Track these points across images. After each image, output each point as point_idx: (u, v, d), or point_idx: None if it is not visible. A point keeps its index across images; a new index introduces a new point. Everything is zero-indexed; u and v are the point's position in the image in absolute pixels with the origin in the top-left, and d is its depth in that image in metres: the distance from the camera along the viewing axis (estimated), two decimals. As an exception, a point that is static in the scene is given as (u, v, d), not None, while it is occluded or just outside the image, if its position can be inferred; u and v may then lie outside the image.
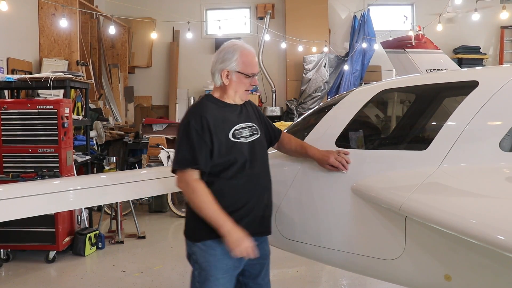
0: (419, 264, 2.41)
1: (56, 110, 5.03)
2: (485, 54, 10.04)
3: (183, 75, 10.70)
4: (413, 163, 2.37)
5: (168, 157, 7.01)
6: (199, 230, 2.35)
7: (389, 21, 10.48)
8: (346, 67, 9.95)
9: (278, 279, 4.65)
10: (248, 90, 2.45)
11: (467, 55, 9.82)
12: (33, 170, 4.98)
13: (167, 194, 7.09)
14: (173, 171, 2.36)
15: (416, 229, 2.34)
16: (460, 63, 9.61)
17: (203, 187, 2.27)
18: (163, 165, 6.94)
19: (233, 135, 2.35)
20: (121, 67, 10.23)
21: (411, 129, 3.10)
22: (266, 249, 2.61)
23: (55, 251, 5.09)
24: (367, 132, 3.10)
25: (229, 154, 2.33)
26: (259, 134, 2.49)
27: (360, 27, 10.15)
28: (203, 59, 10.53)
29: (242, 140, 2.38)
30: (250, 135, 2.43)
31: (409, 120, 3.27)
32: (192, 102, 10.48)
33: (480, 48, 10.04)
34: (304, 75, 9.92)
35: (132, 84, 10.71)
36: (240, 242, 2.24)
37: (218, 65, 2.37)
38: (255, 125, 2.49)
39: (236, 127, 2.37)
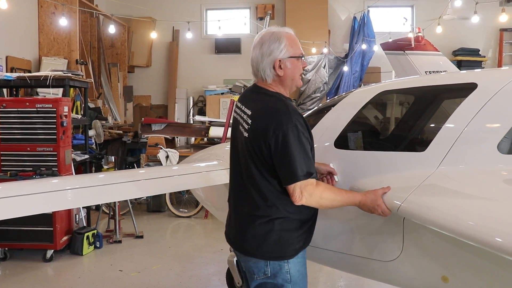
0: (417, 266, 2.42)
1: (55, 109, 5.03)
2: (484, 57, 10.05)
3: (182, 75, 10.69)
4: (411, 164, 2.37)
5: (167, 156, 7.01)
6: (292, 244, 2.20)
7: (389, 22, 10.48)
8: (345, 68, 9.95)
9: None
10: (299, 75, 2.26)
11: (466, 57, 9.82)
12: (31, 168, 4.98)
13: (165, 194, 7.09)
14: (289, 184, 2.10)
15: (414, 231, 2.35)
16: (460, 65, 9.61)
17: (322, 186, 2.18)
18: (161, 164, 6.94)
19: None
20: (120, 66, 10.23)
21: (410, 131, 3.10)
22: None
23: (52, 250, 5.09)
24: (365, 133, 3.09)
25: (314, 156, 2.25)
26: None
27: (359, 28, 10.15)
28: (203, 59, 10.54)
29: None
30: None
31: (407, 121, 3.28)
32: (191, 102, 10.47)
33: (479, 51, 10.05)
34: (303, 76, 9.91)
35: (131, 83, 10.70)
36: (376, 201, 2.19)
37: (266, 59, 2.16)
38: None
39: None
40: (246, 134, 2.17)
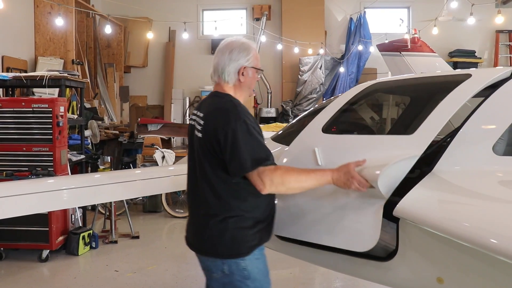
0: (412, 267, 2.42)
1: (51, 109, 5.01)
2: (480, 58, 10.10)
3: (178, 75, 10.69)
4: (397, 148, 2.38)
5: (163, 157, 7.01)
6: (248, 242, 2.23)
7: (385, 24, 10.51)
8: (341, 69, 9.97)
9: (272, 280, 4.65)
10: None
11: (462, 59, 9.86)
12: (27, 168, 4.96)
13: (161, 194, 7.08)
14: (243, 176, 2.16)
15: (409, 232, 2.35)
16: (456, 66, 9.65)
17: (284, 168, 2.20)
18: (157, 165, 6.93)
19: None
20: (116, 66, 10.21)
21: (398, 120, 3.17)
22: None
23: (48, 250, 5.08)
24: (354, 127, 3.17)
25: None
26: None
27: (356, 29, 10.18)
28: (199, 60, 10.53)
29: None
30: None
31: (396, 112, 3.35)
32: (187, 102, 10.46)
33: (475, 52, 10.09)
34: (299, 77, 9.94)
35: (127, 83, 10.69)
36: (350, 176, 2.15)
37: (233, 64, 2.30)
38: None
39: None
40: (199, 135, 2.26)
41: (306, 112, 3.49)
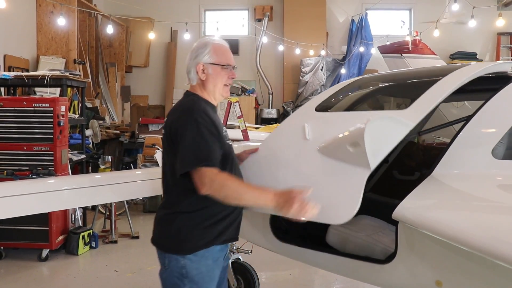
0: (411, 270, 2.43)
1: (52, 109, 5.02)
2: (482, 60, 10.10)
3: (180, 76, 10.70)
4: None
5: (164, 157, 7.00)
6: (191, 240, 2.17)
7: (387, 25, 10.52)
8: (343, 71, 9.98)
9: (271, 281, 4.66)
10: (227, 85, 2.34)
11: (463, 61, 9.86)
12: (27, 168, 4.97)
13: (161, 194, 7.08)
14: (185, 173, 2.11)
15: (408, 235, 2.36)
16: (457, 69, 9.65)
17: (227, 175, 2.10)
18: (158, 165, 6.93)
19: (225, 136, 2.28)
20: (118, 66, 10.23)
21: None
22: (228, 258, 2.50)
23: (48, 250, 5.08)
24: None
25: (228, 155, 2.26)
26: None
27: (357, 31, 10.19)
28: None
29: (229, 142, 2.32)
30: (228, 139, 2.34)
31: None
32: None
33: (476, 54, 10.10)
34: (301, 78, 9.94)
35: (129, 83, 10.70)
36: (291, 201, 2.01)
37: (192, 62, 2.28)
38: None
39: (224, 129, 2.31)
40: (163, 131, 2.30)
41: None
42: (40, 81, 5.45)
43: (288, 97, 10.35)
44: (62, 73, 5.53)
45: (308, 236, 3.20)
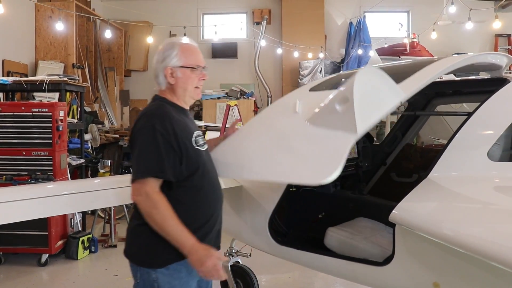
0: (408, 272, 2.44)
1: (50, 113, 5.03)
2: (479, 62, 10.11)
3: (178, 79, 10.70)
4: None
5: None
6: (162, 254, 2.09)
7: (385, 27, 10.54)
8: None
9: (271, 284, 4.66)
10: (198, 87, 2.26)
11: (461, 63, 9.87)
12: (26, 173, 4.97)
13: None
14: (133, 181, 2.06)
15: (405, 237, 2.37)
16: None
17: (166, 201, 2.02)
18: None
19: (195, 142, 2.17)
20: (117, 70, 10.24)
21: None
22: None
23: (47, 255, 5.08)
24: None
25: (196, 162, 2.14)
26: (207, 144, 2.34)
27: (356, 33, 10.21)
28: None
29: (201, 148, 2.20)
30: (203, 144, 2.25)
31: None
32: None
33: (474, 56, 10.11)
34: (299, 81, 9.96)
35: (128, 87, 10.71)
36: (206, 261, 2.00)
37: (159, 65, 2.18)
38: (203, 135, 2.32)
39: (194, 134, 2.19)
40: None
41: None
42: (39, 86, 5.46)
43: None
44: (60, 78, 5.54)
45: (306, 239, 3.22)
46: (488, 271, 2.10)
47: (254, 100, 10.04)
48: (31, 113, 5.03)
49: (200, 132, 2.26)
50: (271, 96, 10.40)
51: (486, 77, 2.76)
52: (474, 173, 2.25)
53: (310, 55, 9.82)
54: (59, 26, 6.96)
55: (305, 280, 4.72)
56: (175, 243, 2.02)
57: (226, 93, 9.98)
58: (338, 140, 2.05)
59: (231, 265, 3.96)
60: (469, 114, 2.34)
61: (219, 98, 9.82)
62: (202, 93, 8.82)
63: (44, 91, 5.50)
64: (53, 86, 5.47)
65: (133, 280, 2.22)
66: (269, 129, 2.55)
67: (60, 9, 7.29)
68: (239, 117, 6.69)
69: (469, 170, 2.26)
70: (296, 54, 9.79)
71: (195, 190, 2.15)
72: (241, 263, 4.00)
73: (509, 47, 10.28)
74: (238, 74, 10.49)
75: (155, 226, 2.03)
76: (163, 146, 2.04)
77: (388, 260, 2.51)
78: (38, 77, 5.69)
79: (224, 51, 10.49)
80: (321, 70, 9.89)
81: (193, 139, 2.16)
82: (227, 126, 7.06)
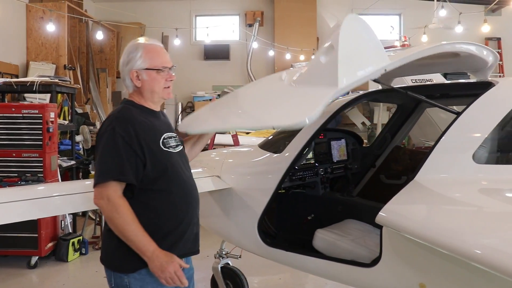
0: (395, 273, 2.46)
1: (41, 115, 5.02)
2: (470, 65, 10.19)
3: (171, 81, 10.69)
4: None
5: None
6: (132, 258, 2.05)
7: (376, 30, 10.58)
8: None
9: (262, 286, 4.67)
10: (168, 87, 2.22)
11: (452, 66, 9.93)
12: (16, 174, 4.95)
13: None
14: (95, 185, 2.05)
15: (392, 238, 2.39)
16: (446, 73, 9.73)
17: (128, 205, 2.01)
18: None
19: (163, 144, 2.14)
20: (109, 71, 10.21)
21: None
22: (191, 269, 2.36)
23: (37, 257, 5.05)
24: None
25: (163, 165, 2.11)
26: (182, 145, 2.30)
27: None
28: (192, 65, 10.56)
29: (171, 150, 2.17)
30: (176, 146, 2.22)
31: None
32: (180, 108, 10.48)
33: (465, 59, 10.18)
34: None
35: (120, 88, 10.68)
36: (166, 267, 2.00)
37: (125, 68, 2.16)
38: (177, 136, 2.28)
39: (164, 136, 2.16)
40: None
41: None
42: (29, 88, 5.44)
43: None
44: (51, 79, 5.53)
45: (296, 240, 3.23)
46: (473, 272, 2.12)
47: (247, 102, 10.05)
48: (21, 115, 5.02)
49: (172, 134, 2.23)
50: (263, 98, 10.41)
51: (472, 81, 2.79)
52: (460, 176, 2.27)
53: (302, 57, 9.86)
54: (50, 27, 6.95)
55: (296, 282, 4.73)
56: (135, 249, 2.01)
57: (218, 95, 10.00)
58: (319, 91, 2.05)
59: (221, 267, 3.97)
60: (455, 117, 2.37)
61: (210, 99, 9.82)
62: (194, 95, 8.83)
63: (34, 92, 5.48)
64: (44, 88, 5.45)
65: (109, 286, 2.21)
66: (252, 92, 2.57)
67: (51, 10, 7.26)
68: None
69: (454, 173, 2.29)
70: (288, 56, 9.82)
71: (164, 194, 2.12)
72: (231, 264, 4.01)
73: (499, 50, 10.37)
74: (231, 75, 10.51)
75: (116, 230, 2.02)
76: (124, 149, 2.02)
77: (375, 261, 2.53)
78: (28, 78, 5.67)
79: (217, 53, 10.51)
80: (313, 72, 9.90)
81: (161, 141, 2.14)
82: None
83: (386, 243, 2.43)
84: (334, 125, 9.75)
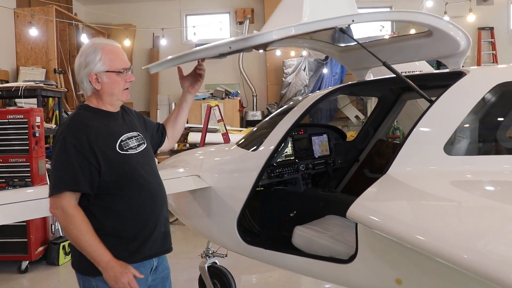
0: (371, 269, 2.43)
1: (26, 120, 5.00)
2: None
3: (163, 81, 10.67)
4: None
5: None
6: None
7: (368, 27, 10.53)
8: (325, 71, 9.98)
9: (252, 284, 4.66)
10: (127, 89, 2.19)
11: (444, 57, 9.87)
12: (3, 180, 4.94)
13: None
14: (50, 195, 2.03)
15: (367, 235, 2.37)
16: (439, 64, 9.66)
17: (82, 215, 2.00)
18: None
19: (120, 147, 2.10)
20: (101, 74, 10.18)
21: None
22: (167, 268, 2.36)
23: (27, 262, 5.05)
24: None
25: (121, 169, 2.08)
26: (146, 143, 2.26)
27: (340, 36, 10.18)
28: (184, 65, 10.40)
29: (131, 151, 2.14)
30: (138, 145, 2.18)
31: None
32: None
33: (457, 50, 10.12)
34: (284, 79, 9.95)
35: (112, 90, 10.66)
36: (120, 278, 1.99)
37: (82, 71, 2.11)
38: (140, 134, 2.25)
39: (122, 137, 2.13)
40: None
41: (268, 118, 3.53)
42: (14, 93, 5.43)
43: (272, 98, 10.36)
44: (36, 83, 5.51)
45: (279, 238, 3.21)
46: (448, 266, 2.09)
47: (240, 100, 10.03)
48: (7, 120, 5.00)
49: (134, 133, 2.21)
50: (256, 95, 10.38)
51: (445, 71, 2.76)
52: (432, 168, 2.25)
53: (292, 53, 9.82)
54: (33, 32, 6.93)
55: (286, 279, 4.71)
56: (90, 258, 2.00)
57: (211, 94, 9.96)
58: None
59: (208, 266, 3.95)
60: (426, 109, 2.34)
61: (204, 99, 9.79)
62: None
63: (20, 97, 5.47)
64: (29, 92, 5.43)
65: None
66: None
67: (34, 14, 7.22)
68: (220, 118, 6.67)
69: (426, 165, 2.26)
70: (278, 52, 9.78)
71: (125, 197, 2.10)
72: (218, 263, 4.00)
73: (492, 40, 10.31)
74: (223, 74, 10.46)
75: (71, 240, 2.02)
76: (76, 158, 2.00)
77: (352, 257, 2.51)
78: (13, 84, 5.66)
79: (208, 52, 10.45)
80: (305, 68, 9.88)
81: (118, 144, 2.11)
82: (209, 127, 7.05)
83: (362, 238, 2.41)
84: (328, 119, 9.76)
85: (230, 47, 2.27)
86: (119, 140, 2.12)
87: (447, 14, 7.73)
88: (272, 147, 2.91)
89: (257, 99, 10.41)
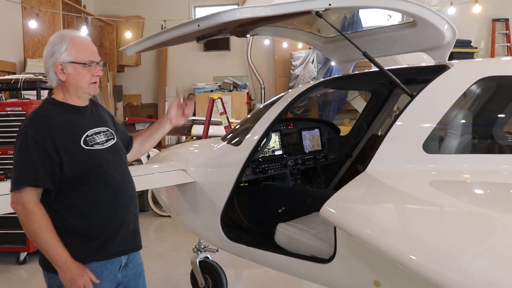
0: (349, 269, 2.37)
1: (25, 112, 5.02)
2: (476, 48, 9.87)
3: (172, 73, 10.67)
4: None
5: (148, 156, 6.99)
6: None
7: (376, 17, 10.35)
8: (333, 63, 9.84)
9: (246, 279, 4.62)
10: (94, 83, 2.14)
11: (457, 49, 9.60)
12: (2, 172, 4.98)
13: (147, 193, 7.09)
14: (11, 190, 2.01)
15: (345, 234, 2.29)
16: (451, 57, 9.42)
17: (43, 212, 1.96)
18: (142, 163, 6.92)
19: (85, 142, 2.06)
20: (109, 66, 10.22)
21: None
22: (139, 265, 2.33)
23: (26, 253, 5.09)
24: None
25: (84, 165, 2.04)
26: (116, 139, 2.22)
27: (349, 25, 10.02)
28: (192, 57, 10.49)
29: (97, 147, 2.10)
30: (106, 141, 2.15)
31: None
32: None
33: (470, 42, 9.86)
34: (291, 72, 9.85)
35: (121, 82, 10.70)
36: (76, 280, 1.95)
37: (48, 61, 2.07)
38: (110, 130, 2.21)
39: (88, 132, 2.09)
40: None
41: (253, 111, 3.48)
42: (14, 85, 5.44)
43: (280, 91, 10.25)
44: (35, 76, 5.52)
45: (267, 234, 3.16)
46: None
47: (248, 92, 9.96)
48: (5, 112, 5.03)
49: (102, 129, 2.17)
50: (264, 87, 10.30)
51: (430, 64, 2.65)
52: (410, 166, 2.16)
53: (300, 45, 9.68)
54: (33, 24, 6.96)
55: (280, 274, 4.63)
56: (47, 257, 1.97)
57: (219, 86, 9.92)
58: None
59: (199, 261, 3.92)
60: (405, 105, 2.25)
61: (211, 91, 9.74)
62: (195, 86, 8.68)
63: (19, 89, 5.49)
64: (29, 85, 5.44)
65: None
66: None
67: (33, 6, 7.23)
68: (222, 110, 6.61)
69: (405, 163, 2.18)
70: (285, 44, 9.67)
71: (89, 194, 2.06)
72: (210, 258, 3.97)
73: (507, 31, 10.01)
74: (231, 66, 10.40)
75: (30, 237, 1.99)
76: (37, 153, 1.97)
77: (331, 257, 2.44)
78: (12, 76, 5.68)
79: (217, 44, 10.38)
80: (313, 60, 9.75)
81: (83, 139, 2.07)
82: (213, 119, 7.00)
83: (340, 238, 2.34)
84: (335, 111, 9.62)
85: (198, 25, 2.22)
86: (84, 135, 2.08)
87: (453, 5, 7.49)
88: (254, 142, 2.84)
89: (265, 91, 10.33)
